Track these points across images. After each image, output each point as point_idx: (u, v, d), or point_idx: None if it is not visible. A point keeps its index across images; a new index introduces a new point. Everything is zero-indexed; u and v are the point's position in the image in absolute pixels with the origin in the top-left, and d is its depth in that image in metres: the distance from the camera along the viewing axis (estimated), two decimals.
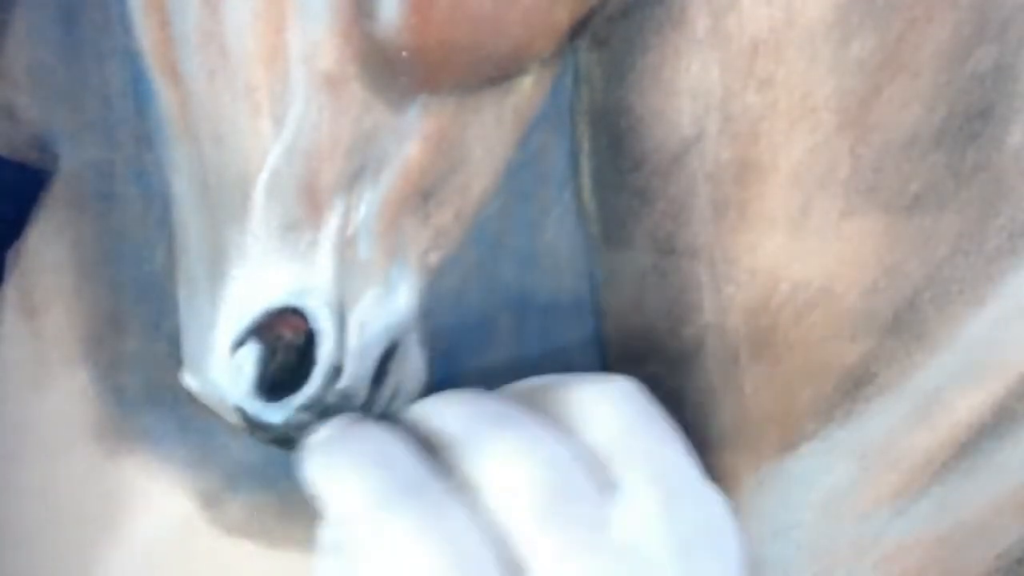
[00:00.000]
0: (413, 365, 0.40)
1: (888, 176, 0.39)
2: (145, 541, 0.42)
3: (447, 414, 0.36)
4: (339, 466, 0.35)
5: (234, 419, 0.39)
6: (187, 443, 0.41)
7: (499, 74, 0.37)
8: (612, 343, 0.41)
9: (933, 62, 0.38)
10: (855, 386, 0.40)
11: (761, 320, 0.40)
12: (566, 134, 0.39)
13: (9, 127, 0.39)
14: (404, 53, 0.36)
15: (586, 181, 0.40)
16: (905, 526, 0.42)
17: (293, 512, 0.41)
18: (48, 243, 0.40)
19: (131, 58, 0.38)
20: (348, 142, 0.36)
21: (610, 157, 0.39)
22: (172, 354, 0.40)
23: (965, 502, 0.41)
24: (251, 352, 0.38)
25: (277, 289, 0.37)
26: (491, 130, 0.38)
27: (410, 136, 0.37)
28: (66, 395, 0.41)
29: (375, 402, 0.39)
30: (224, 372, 0.38)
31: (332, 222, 0.37)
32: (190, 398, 0.39)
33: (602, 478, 0.35)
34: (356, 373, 0.38)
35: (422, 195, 0.38)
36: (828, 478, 0.41)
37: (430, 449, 0.36)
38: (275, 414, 0.38)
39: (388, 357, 0.39)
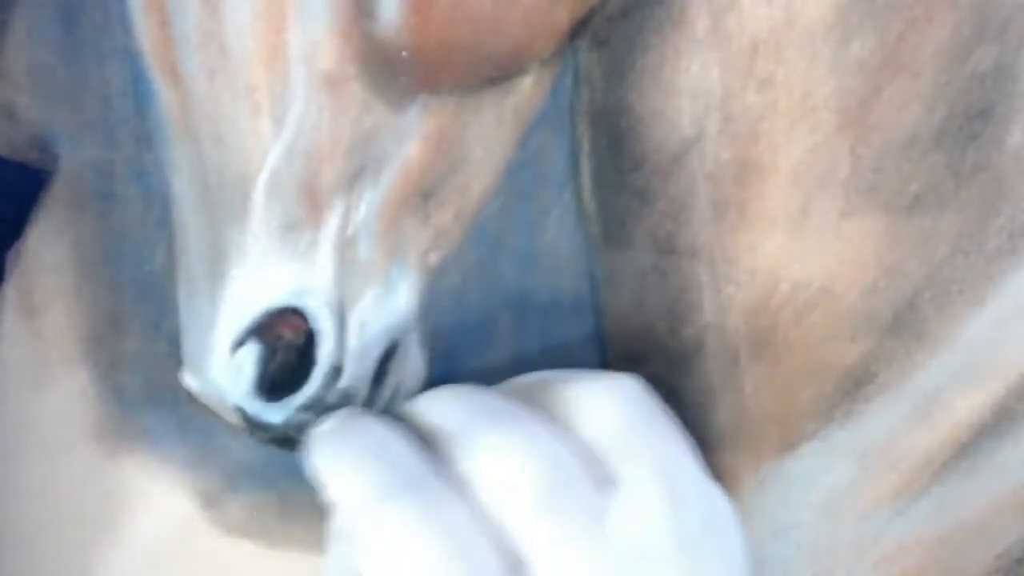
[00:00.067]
0: (413, 365, 0.40)
1: (888, 176, 0.39)
2: (145, 541, 0.42)
3: (445, 409, 0.36)
4: (341, 459, 0.35)
5: (234, 419, 0.39)
6: (187, 443, 0.41)
7: (499, 74, 0.37)
8: (612, 343, 0.41)
9: (933, 62, 0.38)
10: (855, 386, 0.40)
11: (761, 320, 0.40)
12: (566, 134, 0.39)
13: (9, 127, 0.39)
14: (404, 53, 0.36)
15: (586, 181, 0.40)
16: (905, 526, 0.42)
17: (293, 512, 0.41)
18: (48, 243, 0.40)
19: (131, 58, 0.38)
20: (348, 142, 0.36)
21: (610, 157, 0.39)
22: (172, 354, 0.40)
23: (965, 502, 0.41)
24: (251, 352, 0.38)
25: (277, 289, 0.37)
26: (491, 130, 0.38)
27: (410, 136, 0.37)
28: (66, 395, 0.41)
29: (375, 402, 0.39)
30: (224, 372, 0.38)
31: (332, 222, 0.37)
32: (190, 398, 0.39)
33: (600, 473, 0.35)
34: (356, 373, 0.38)
35: (422, 195, 0.38)
36: (828, 478, 0.41)
37: (429, 443, 0.36)
38: (275, 414, 0.38)
39: (388, 357, 0.39)
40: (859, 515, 0.42)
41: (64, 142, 0.39)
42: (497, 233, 0.40)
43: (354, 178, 0.37)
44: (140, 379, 0.41)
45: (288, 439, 0.39)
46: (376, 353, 0.39)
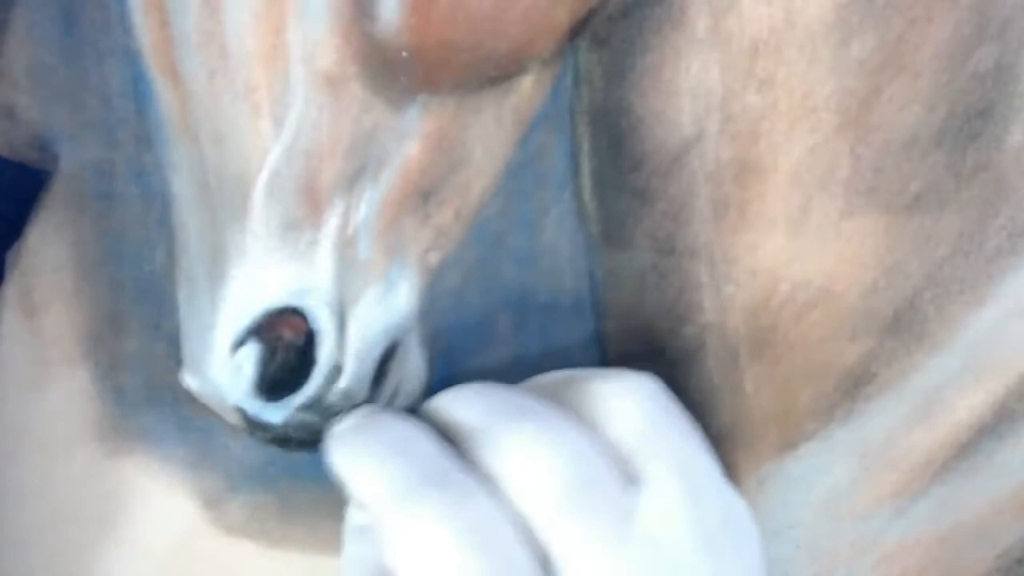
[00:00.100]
0: (413, 365, 0.40)
1: (888, 176, 0.39)
2: (145, 541, 0.42)
3: (468, 406, 0.36)
4: (364, 454, 0.35)
5: (234, 419, 0.39)
6: (187, 443, 0.41)
7: (499, 74, 0.37)
8: (612, 343, 0.41)
9: (933, 62, 0.38)
10: (855, 386, 0.40)
11: (761, 320, 0.40)
12: (566, 134, 0.39)
13: (9, 127, 0.39)
14: (404, 53, 0.36)
15: (586, 181, 0.40)
16: (905, 526, 0.42)
17: (293, 512, 0.41)
18: (48, 243, 0.40)
19: (131, 58, 0.38)
20: (348, 142, 0.36)
21: (610, 157, 0.39)
22: (172, 354, 0.40)
23: (965, 502, 0.41)
24: (251, 352, 0.38)
25: (277, 289, 0.37)
26: (491, 130, 0.38)
27: (410, 136, 0.37)
28: (66, 395, 0.41)
29: (375, 402, 0.39)
30: (224, 372, 0.38)
31: (332, 222, 0.37)
32: (190, 398, 0.39)
33: (625, 471, 0.35)
34: (356, 373, 0.38)
35: (422, 195, 0.38)
36: (828, 478, 0.41)
37: (452, 440, 0.36)
38: (275, 414, 0.38)
39: (388, 357, 0.39)
40: (859, 515, 0.42)
41: (64, 142, 0.39)
42: (497, 233, 0.40)
43: (354, 178, 0.37)
44: (140, 379, 0.40)
45: (288, 439, 0.39)
46: (376, 353, 0.39)
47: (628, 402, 0.36)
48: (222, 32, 0.36)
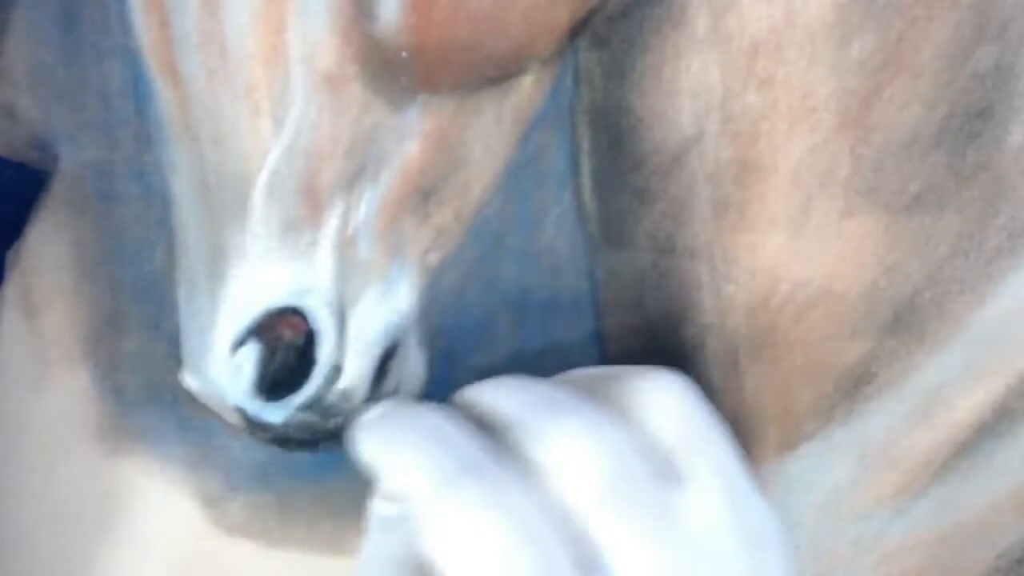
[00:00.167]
0: (413, 365, 0.40)
1: (888, 176, 0.39)
2: (145, 541, 0.42)
3: (506, 397, 0.36)
4: (399, 443, 0.35)
5: (234, 419, 0.39)
6: (187, 443, 0.41)
7: (499, 74, 0.37)
8: (612, 342, 0.41)
9: (933, 62, 0.38)
10: (855, 385, 0.40)
11: (761, 320, 0.40)
12: (566, 134, 0.39)
13: (9, 127, 0.39)
14: (404, 53, 0.36)
15: (586, 181, 0.40)
16: (905, 526, 0.42)
17: (293, 512, 0.41)
18: (48, 243, 0.40)
19: (131, 58, 0.38)
20: (348, 142, 0.36)
21: (610, 157, 0.39)
22: (172, 354, 0.40)
23: (965, 502, 0.41)
24: (251, 352, 0.38)
25: (277, 289, 0.37)
26: (491, 130, 0.38)
27: (410, 135, 0.37)
28: (66, 394, 0.41)
29: (375, 402, 0.39)
30: (224, 372, 0.38)
31: (332, 222, 0.37)
32: (190, 398, 0.39)
33: (666, 468, 0.35)
34: (356, 373, 0.38)
35: (422, 194, 0.38)
36: (828, 478, 0.41)
37: (488, 431, 0.35)
38: (275, 414, 0.38)
39: (388, 357, 0.39)
40: (859, 515, 0.42)
41: (64, 142, 0.39)
42: (497, 233, 0.40)
43: (354, 178, 0.37)
44: (140, 379, 0.40)
45: (288, 439, 0.39)
46: (376, 352, 0.39)
47: (667, 400, 0.36)
48: (222, 32, 0.36)
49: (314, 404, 0.38)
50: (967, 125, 0.38)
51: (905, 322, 0.40)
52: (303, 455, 0.39)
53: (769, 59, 0.38)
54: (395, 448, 0.35)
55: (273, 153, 0.36)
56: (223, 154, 0.37)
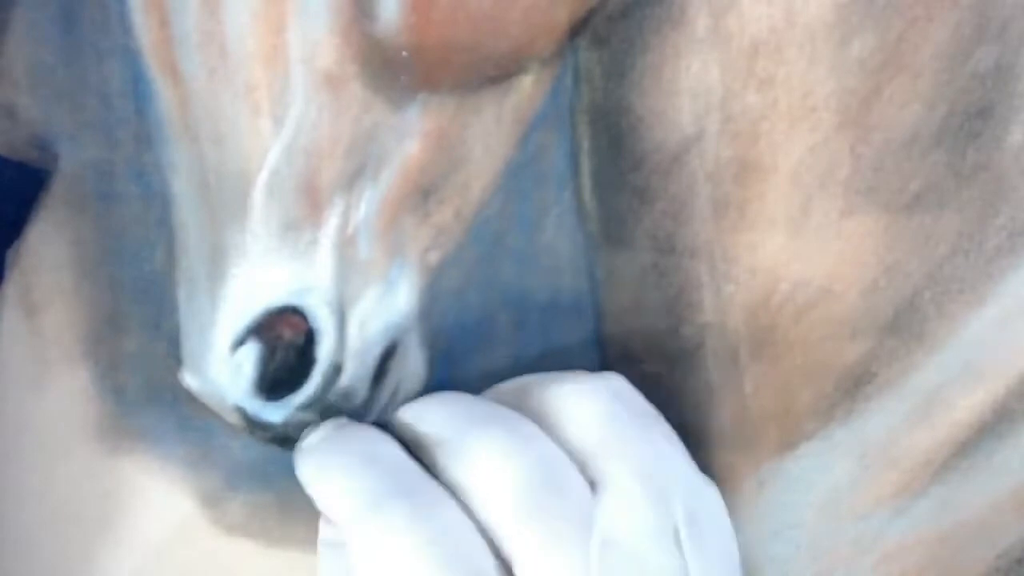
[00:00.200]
0: (413, 365, 0.40)
1: (888, 175, 0.39)
2: (145, 541, 0.42)
3: (431, 417, 0.36)
4: (331, 468, 0.36)
5: (234, 419, 0.39)
6: (187, 443, 0.41)
7: (499, 73, 0.37)
8: (612, 342, 0.41)
9: (933, 62, 0.38)
10: (855, 385, 0.40)
11: (761, 319, 0.40)
12: (566, 134, 0.39)
13: (9, 127, 0.39)
14: (404, 53, 0.36)
15: (586, 181, 0.40)
16: (905, 526, 0.42)
17: (293, 512, 0.41)
18: (48, 242, 0.40)
19: (131, 58, 0.38)
20: (348, 141, 0.36)
21: (610, 157, 0.39)
22: (172, 354, 0.40)
23: (965, 502, 0.41)
24: (251, 351, 0.38)
25: (277, 288, 0.37)
26: (491, 129, 0.38)
27: (410, 135, 0.37)
28: (66, 394, 0.41)
29: (375, 401, 0.39)
30: (224, 371, 0.38)
31: (332, 221, 0.37)
32: (190, 398, 0.39)
33: (586, 474, 0.35)
34: (356, 372, 0.38)
35: (422, 193, 0.38)
36: (828, 478, 0.41)
37: (419, 452, 0.36)
38: (275, 413, 0.38)
39: (388, 356, 0.39)
40: (859, 515, 0.42)
41: (64, 142, 0.39)
42: (497, 233, 0.40)
43: (354, 177, 0.37)
44: (140, 379, 0.40)
45: (288, 439, 0.39)
46: (376, 352, 0.39)
47: (586, 404, 0.36)
48: (222, 32, 0.36)
49: (314, 404, 0.38)
50: (967, 125, 0.38)
51: (905, 322, 0.40)
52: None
53: (769, 59, 0.38)
54: (327, 473, 0.35)
55: (273, 152, 0.36)
56: (223, 154, 0.37)
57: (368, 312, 0.38)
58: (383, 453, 0.36)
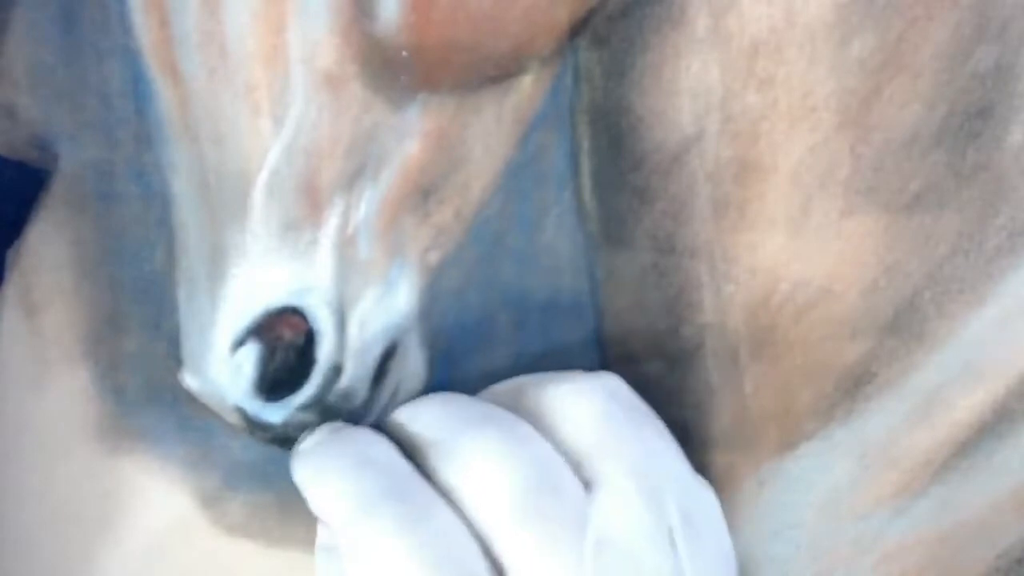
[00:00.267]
0: (413, 365, 0.40)
1: (888, 175, 0.39)
2: (145, 541, 0.42)
3: (426, 418, 0.36)
4: (325, 471, 0.36)
5: (234, 419, 0.39)
6: (187, 443, 0.41)
7: (499, 73, 0.37)
8: (612, 342, 0.41)
9: (934, 62, 0.38)
10: (855, 385, 0.40)
11: (761, 319, 0.40)
12: (566, 134, 0.39)
13: (9, 127, 0.39)
14: (404, 52, 0.36)
15: (586, 181, 0.40)
16: (905, 526, 0.42)
17: (293, 512, 0.41)
18: (48, 242, 0.40)
19: (131, 58, 0.38)
20: (348, 141, 0.36)
21: (610, 157, 0.39)
22: (172, 354, 0.40)
23: (965, 502, 0.41)
24: (251, 352, 0.38)
25: (277, 288, 0.37)
26: (491, 129, 0.38)
27: (410, 134, 0.37)
28: (66, 394, 0.41)
29: (375, 402, 0.39)
30: (224, 372, 0.38)
31: (332, 221, 0.37)
32: (190, 398, 0.39)
33: (580, 475, 0.35)
34: (356, 373, 0.38)
35: (422, 193, 0.38)
36: (828, 478, 0.41)
37: (413, 454, 0.36)
38: (275, 414, 0.38)
39: (388, 357, 0.39)
40: (859, 515, 0.42)
41: (64, 142, 0.39)
42: (497, 233, 0.40)
43: (354, 177, 0.37)
44: (140, 379, 0.40)
45: (288, 439, 0.39)
46: (376, 352, 0.39)
47: (583, 404, 0.36)
48: (222, 32, 0.36)
49: (314, 404, 0.38)
50: (967, 125, 0.38)
51: (905, 321, 0.40)
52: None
53: (769, 59, 0.38)
54: (322, 476, 0.35)
55: (273, 152, 0.36)
56: (223, 154, 0.37)
57: (368, 312, 0.38)
58: (377, 456, 0.36)
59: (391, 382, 0.39)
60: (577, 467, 0.35)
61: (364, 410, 0.39)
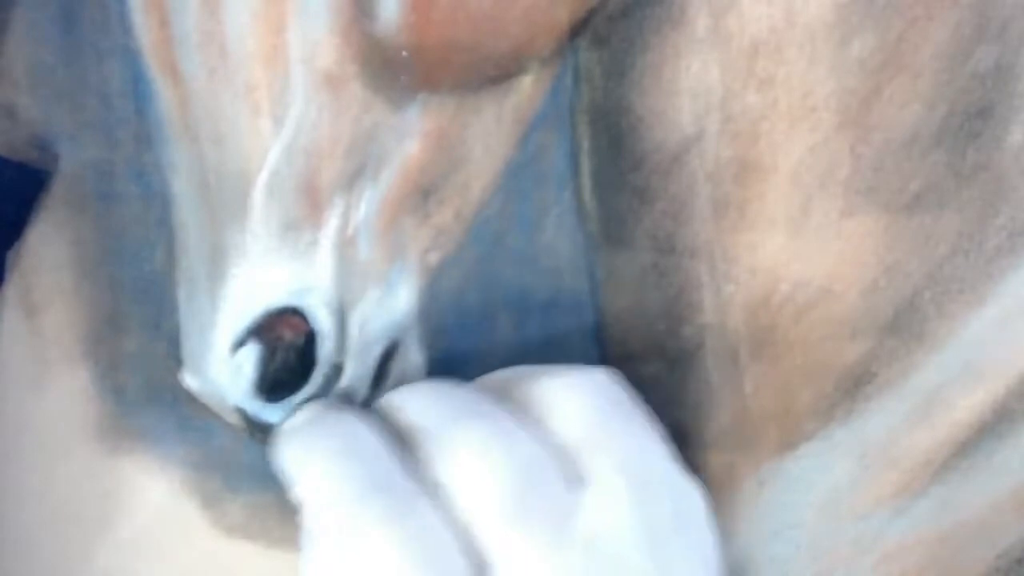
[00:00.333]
0: (413, 365, 0.40)
1: (888, 175, 0.39)
2: (145, 541, 0.42)
3: (420, 405, 0.36)
4: (311, 455, 0.35)
5: (234, 419, 0.39)
6: (187, 443, 0.41)
7: (499, 73, 0.37)
8: (612, 342, 0.41)
9: (934, 62, 0.38)
10: (855, 385, 0.40)
11: (761, 319, 0.40)
12: (566, 134, 0.39)
13: (9, 127, 0.39)
14: (404, 52, 0.36)
15: (586, 181, 0.40)
16: (905, 526, 0.42)
17: (293, 513, 0.41)
18: (48, 242, 0.40)
19: (131, 58, 0.38)
20: (348, 141, 0.36)
21: (610, 157, 0.39)
22: (172, 354, 0.40)
23: (965, 502, 0.41)
24: (251, 352, 0.38)
25: (277, 289, 0.37)
26: (491, 129, 0.38)
27: (410, 135, 0.37)
28: (66, 394, 0.41)
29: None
30: (224, 372, 0.38)
31: (332, 221, 0.37)
32: (190, 398, 0.39)
33: (571, 470, 0.35)
34: (356, 373, 0.38)
35: (422, 194, 0.38)
36: (828, 478, 0.41)
37: (404, 440, 0.36)
38: (275, 414, 0.38)
39: (388, 357, 0.39)
40: (859, 515, 0.42)
41: (64, 142, 0.39)
42: (497, 233, 0.40)
43: (354, 177, 0.37)
44: (140, 379, 0.40)
45: None
46: (376, 353, 0.39)
47: (574, 398, 0.36)
48: (222, 32, 0.36)
49: None
50: (967, 125, 0.38)
51: (905, 321, 0.40)
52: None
53: (769, 59, 0.38)
54: (309, 459, 0.35)
55: (273, 152, 0.36)
56: (223, 154, 0.37)
57: (368, 312, 0.38)
58: (366, 442, 0.35)
59: (391, 382, 0.39)
60: (565, 461, 0.35)
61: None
